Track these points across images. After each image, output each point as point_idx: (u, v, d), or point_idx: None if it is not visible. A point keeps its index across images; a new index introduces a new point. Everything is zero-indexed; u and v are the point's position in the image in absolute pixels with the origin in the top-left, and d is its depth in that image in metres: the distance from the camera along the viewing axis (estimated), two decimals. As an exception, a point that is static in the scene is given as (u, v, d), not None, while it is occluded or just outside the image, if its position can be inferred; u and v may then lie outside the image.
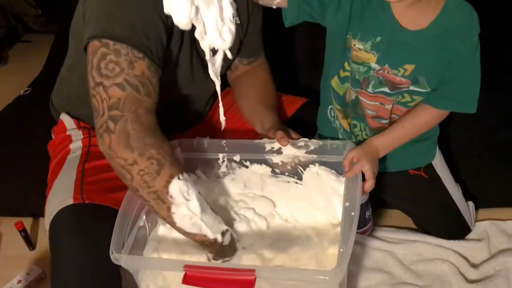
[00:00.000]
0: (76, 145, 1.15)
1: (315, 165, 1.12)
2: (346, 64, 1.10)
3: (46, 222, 1.03)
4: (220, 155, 1.15)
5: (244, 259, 0.99)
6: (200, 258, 0.98)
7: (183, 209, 0.92)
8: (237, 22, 1.15)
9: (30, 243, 1.34)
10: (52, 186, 1.08)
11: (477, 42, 1.02)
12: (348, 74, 1.11)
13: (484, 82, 1.05)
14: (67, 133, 1.18)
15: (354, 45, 1.05)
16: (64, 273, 0.95)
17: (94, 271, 0.93)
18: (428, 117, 1.10)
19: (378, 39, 1.03)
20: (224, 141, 1.13)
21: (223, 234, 0.97)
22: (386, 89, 1.08)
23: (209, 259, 0.98)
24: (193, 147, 1.15)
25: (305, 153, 1.11)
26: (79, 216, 0.98)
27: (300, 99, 1.39)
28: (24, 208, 1.43)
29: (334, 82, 1.15)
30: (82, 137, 1.17)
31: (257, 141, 1.13)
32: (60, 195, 1.03)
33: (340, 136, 1.21)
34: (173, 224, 0.94)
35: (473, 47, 1.02)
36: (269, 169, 1.16)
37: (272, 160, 1.14)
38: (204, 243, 0.96)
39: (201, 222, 0.93)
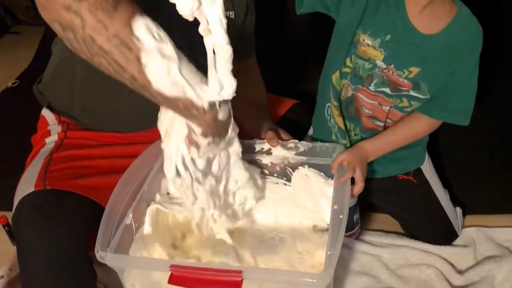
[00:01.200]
0: (52, 139, 1.14)
1: (304, 167, 1.12)
2: (348, 60, 1.09)
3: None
4: (210, 155, 1.14)
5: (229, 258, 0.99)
6: (187, 258, 0.97)
7: (156, 58, 0.71)
8: (230, 16, 1.13)
9: (14, 238, 1.32)
10: (20, 180, 1.07)
11: (478, 57, 1.04)
12: (348, 70, 1.10)
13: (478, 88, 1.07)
14: (48, 128, 1.18)
15: (363, 40, 1.05)
16: (25, 262, 0.94)
17: (54, 258, 0.91)
18: (421, 126, 1.11)
19: (388, 37, 1.03)
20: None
21: (212, 105, 0.77)
22: (387, 90, 1.08)
23: (193, 134, 0.81)
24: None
25: (295, 154, 1.11)
26: (38, 202, 0.97)
27: (290, 100, 1.39)
28: (9, 202, 1.41)
29: (335, 77, 1.13)
30: (60, 131, 1.16)
31: (247, 141, 1.12)
32: (24, 185, 1.02)
33: (333, 136, 1.21)
34: (148, 87, 0.73)
35: (476, 61, 1.04)
36: (258, 170, 1.15)
37: (261, 160, 1.13)
38: (190, 113, 0.77)
39: (183, 80, 0.73)
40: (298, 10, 1.08)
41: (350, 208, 1.18)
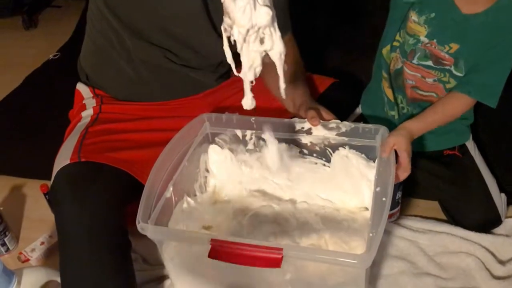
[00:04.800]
0: (87, 113, 1.17)
1: (345, 148, 1.10)
2: (398, 35, 1.19)
3: None
4: (248, 132, 1.13)
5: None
6: (227, 233, 0.97)
7: None
8: None
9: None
10: (58, 153, 1.09)
11: None
12: (397, 44, 1.20)
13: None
14: (83, 102, 1.20)
15: (411, 16, 1.14)
16: (62, 231, 0.96)
17: (88, 228, 0.92)
18: (456, 103, 1.14)
19: (433, 15, 1.11)
20: (253, 118, 1.11)
21: None
22: (430, 63, 1.16)
23: None
24: (222, 123, 1.13)
25: (336, 135, 1.09)
26: (73, 174, 0.99)
27: (329, 79, 1.37)
28: (50, 171, 1.44)
29: (385, 50, 1.23)
30: (94, 105, 1.18)
31: (287, 120, 1.11)
32: (61, 158, 1.04)
33: (385, 108, 1.29)
34: None
35: (510, 45, 1.08)
36: (297, 149, 1.14)
37: (301, 140, 1.12)
38: None
39: None
40: None
41: (394, 185, 1.16)
